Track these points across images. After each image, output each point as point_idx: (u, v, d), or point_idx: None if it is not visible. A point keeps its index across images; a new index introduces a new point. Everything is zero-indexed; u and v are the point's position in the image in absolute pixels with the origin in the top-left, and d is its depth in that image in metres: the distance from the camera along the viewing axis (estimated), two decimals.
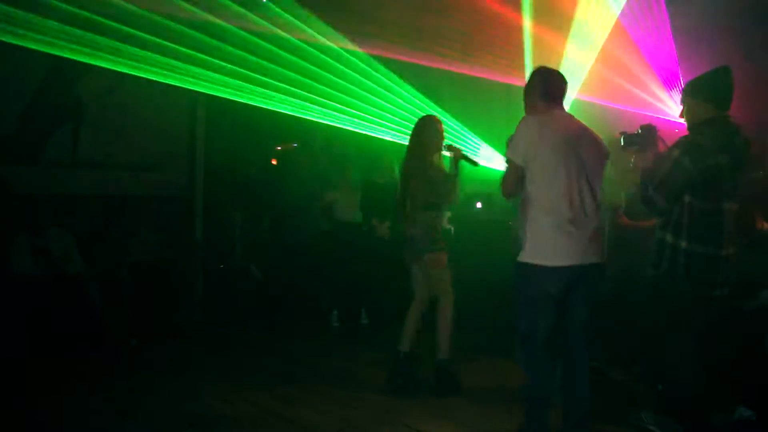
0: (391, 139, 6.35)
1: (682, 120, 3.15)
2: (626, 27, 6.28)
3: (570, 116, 3.12)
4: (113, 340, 4.85)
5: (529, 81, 3.19)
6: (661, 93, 6.48)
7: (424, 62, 6.50)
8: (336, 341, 5.48)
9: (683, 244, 2.93)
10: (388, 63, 6.49)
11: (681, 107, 3.13)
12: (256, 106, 6.22)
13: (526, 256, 2.95)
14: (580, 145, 2.95)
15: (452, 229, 6.26)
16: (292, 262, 6.39)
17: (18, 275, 4.81)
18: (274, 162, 7.97)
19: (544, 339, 2.98)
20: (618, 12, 6.09)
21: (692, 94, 3.05)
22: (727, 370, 3.61)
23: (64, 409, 3.70)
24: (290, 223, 6.40)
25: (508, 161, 3.02)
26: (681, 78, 6.18)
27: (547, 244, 2.91)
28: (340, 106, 6.35)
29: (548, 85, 3.11)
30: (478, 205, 7.01)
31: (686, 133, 3.09)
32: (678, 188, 2.93)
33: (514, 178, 2.98)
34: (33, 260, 4.91)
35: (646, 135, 3.12)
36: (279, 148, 8.16)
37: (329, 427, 3.48)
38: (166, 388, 4.08)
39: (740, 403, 3.39)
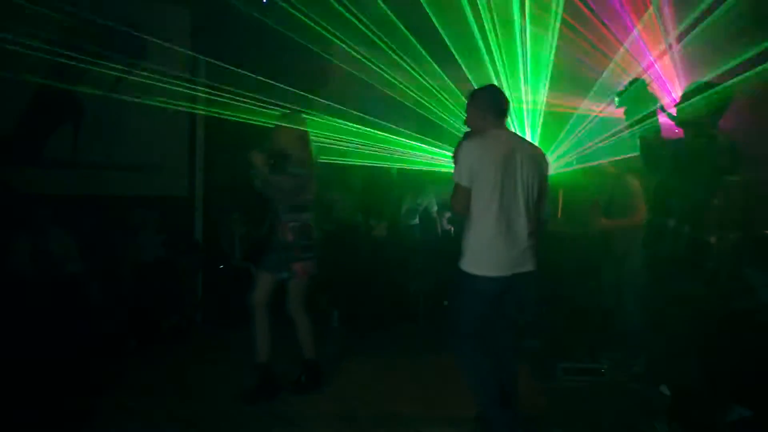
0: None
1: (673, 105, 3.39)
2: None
3: (511, 133, 3.34)
4: (113, 340, 4.84)
5: (475, 100, 3.27)
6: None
7: None
8: (336, 342, 5.48)
9: (686, 229, 3.15)
10: None
11: (682, 97, 3.33)
12: None
13: (468, 266, 3.12)
14: (518, 164, 3.10)
15: (452, 229, 6.28)
16: None
17: (18, 275, 4.81)
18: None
19: (479, 333, 3.15)
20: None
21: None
22: (726, 370, 3.61)
23: (64, 409, 3.70)
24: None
25: (455, 184, 3.13)
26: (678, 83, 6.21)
27: (487, 257, 3.09)
28: None
29: (496, 103, 3.23)
30: None
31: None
32: (689, 159, 3.16)
33: (465, 200, 3.10)
34: (33, 260, 4.91)
35: (636, 87, 3.35)
36: None
37: (329, 428, 3.49)
38: (165, 388, 4.09)
39: (739, 402, 3.40)
